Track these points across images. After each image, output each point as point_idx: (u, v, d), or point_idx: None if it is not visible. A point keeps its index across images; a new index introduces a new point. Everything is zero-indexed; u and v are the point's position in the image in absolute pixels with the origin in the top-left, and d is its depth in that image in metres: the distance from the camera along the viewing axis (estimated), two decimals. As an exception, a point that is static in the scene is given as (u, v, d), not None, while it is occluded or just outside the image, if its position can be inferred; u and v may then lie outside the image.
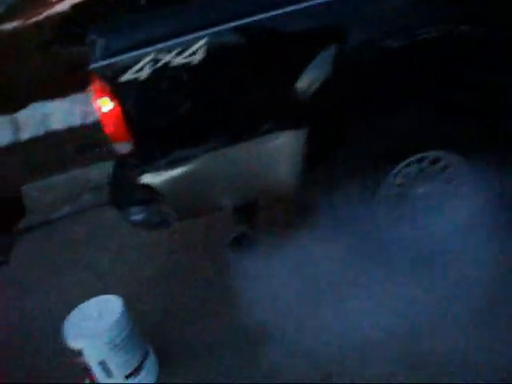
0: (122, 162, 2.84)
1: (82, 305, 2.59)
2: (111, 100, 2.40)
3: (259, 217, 2.90)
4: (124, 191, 2.90)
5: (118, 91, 2.38)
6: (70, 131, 5.05)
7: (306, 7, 2.30)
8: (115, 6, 2.73)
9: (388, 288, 2.52)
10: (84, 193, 4.36)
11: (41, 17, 5.89)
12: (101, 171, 3.96)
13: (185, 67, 2.35)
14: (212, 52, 2.32)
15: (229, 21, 2.32)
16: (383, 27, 2.36)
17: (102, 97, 2.43)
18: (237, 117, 2.49)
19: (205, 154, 2.51)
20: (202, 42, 2.31)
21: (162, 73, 2.35)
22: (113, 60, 2.35)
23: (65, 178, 4.53)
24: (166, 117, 2.48)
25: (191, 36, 2.32)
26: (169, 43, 2.32)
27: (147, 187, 2.56)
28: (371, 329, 2.38)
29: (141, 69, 2.35)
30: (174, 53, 2.33)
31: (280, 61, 2.39)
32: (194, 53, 2.33)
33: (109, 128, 2.48)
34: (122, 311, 2.49)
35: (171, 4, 2.43)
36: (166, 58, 2.34)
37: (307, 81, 2.38)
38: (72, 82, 4.42)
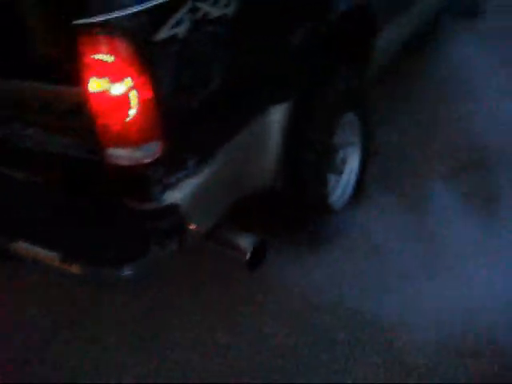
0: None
1: None
2: (133, 74, 1.49)
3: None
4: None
5: (148, 59, 1.50)
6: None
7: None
8: None
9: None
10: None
11: None
12: None
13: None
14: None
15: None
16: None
17: (112, 71, 1.48)
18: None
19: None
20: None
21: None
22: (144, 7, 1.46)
23: None
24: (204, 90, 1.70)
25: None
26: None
27: (162, 214, 1.69)
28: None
29: (179, 21, 1.55)
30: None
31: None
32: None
33: (120, 121, 1.53)
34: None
35: None
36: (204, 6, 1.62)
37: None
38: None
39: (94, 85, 1.50)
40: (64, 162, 1.83)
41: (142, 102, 1.51)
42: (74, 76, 1.56)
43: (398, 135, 3.30)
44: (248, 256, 2.04)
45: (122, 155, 1.59)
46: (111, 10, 1.44)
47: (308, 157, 2.27)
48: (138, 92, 1.50)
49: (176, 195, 1.69)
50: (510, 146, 3.11)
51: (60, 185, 1.82)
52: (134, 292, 2.39)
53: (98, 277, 1.76)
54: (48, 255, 1.76)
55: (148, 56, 1.50)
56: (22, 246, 1.82)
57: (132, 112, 1.52)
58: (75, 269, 1.74)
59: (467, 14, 4.72)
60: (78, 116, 1.81)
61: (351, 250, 2.51)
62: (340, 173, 2.62)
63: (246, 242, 2.08)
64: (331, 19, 2.30)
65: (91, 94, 1.51)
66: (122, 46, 1.45)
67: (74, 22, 1.44)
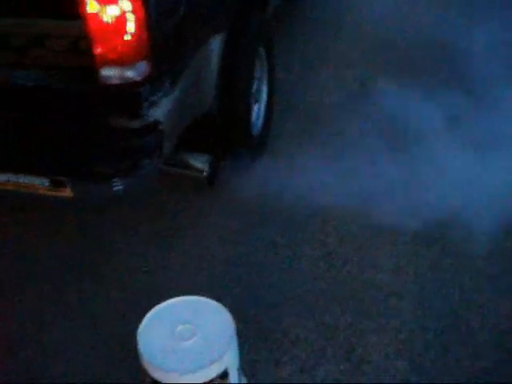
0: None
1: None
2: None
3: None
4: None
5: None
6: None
7: None
8: None
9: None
10: None
11: None
12: None
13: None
14: None
15: None
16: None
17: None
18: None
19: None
20: None
21: None
22: None
23: None
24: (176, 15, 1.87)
25: None
26: None
27: (148, 130, 1.87)
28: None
29: None
30: None
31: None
32: None
33: (116, 41, 1.67)
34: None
35: None
36: None
37: None
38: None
39: (92, 6, 1.60)
40: (33, 94, 1.88)
41: (137, 23, 1.65)
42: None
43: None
44: (206, 174, 2.29)
45: (115, 75, 1.71)
46: None
47: (237, 83, 2.53)
48: (134, 14, 1.64)
49: (158, 112, 1.86)
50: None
51: (41, 116, 1.87)
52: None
53: (92, 196, 1.88)
54: (35, 182, 1.83)
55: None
56: (4, 178, 1.86)
57: (127, 32, 1.66)
58: (67, 192, 1.83)
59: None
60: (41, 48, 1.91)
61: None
62: (256, 101, 2.91)
63: (201, 162, 2.32)
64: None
65: (89, 14, 1.62)
66: None
67: None
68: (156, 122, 1.86)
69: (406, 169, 2.72)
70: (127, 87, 1.74)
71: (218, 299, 1.63)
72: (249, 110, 2.67)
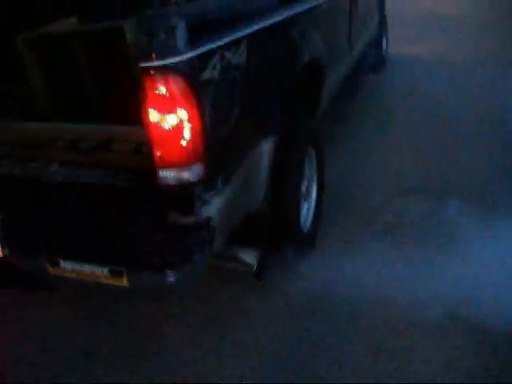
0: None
1: None
2: (186, 107, 1.83)
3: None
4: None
5: (199, 95, 1.85)
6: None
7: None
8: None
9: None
10: None
11: None
12: None
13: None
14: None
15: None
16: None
17: (168, 104, 1.81)
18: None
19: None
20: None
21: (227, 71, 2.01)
22: (201, 51, 1.83)
23: None
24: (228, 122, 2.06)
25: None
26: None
27: (200, 226, 2.01)
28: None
29: (214, 65, 1.93)
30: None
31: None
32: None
33: (174, 146, 1.85)
34: None
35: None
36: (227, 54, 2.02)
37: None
38: None
39: (153, 116, 1.81)
40: (98, 190, 2.08)
41: (193, 131, 1.84)
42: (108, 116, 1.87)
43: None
44: (255, 268, 2.39)
45: (172, 176, 1.88)
46: (169, 56, 1.78)
47: (286, 182, 2.67)
48: (190, 123, 1.83)
49: (210, 210, 2.01)
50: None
51: (105, 211, 2.05)
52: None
53: (145, 287, 2.01)
54: (96, 271, 1.98)
55: (197, 93, 1.84)
56: (67, 266, 2.02)
57: (184, 138, 1.84)
58: (123, 282, 1.97)
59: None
60: (106, 151, 2.13)
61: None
62: (305, 200, 3.04)
63: (250, 256, 2.44)
64: (297, 70, 2.77)
65: (150, 122, 1.81)
66: (179, 84, 1.79)
67: (142, 65, 1.76)
68: (208, 219, 2.00)
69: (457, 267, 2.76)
70: (183, 187, 1.90)
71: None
72: (297, 209, 2.80)
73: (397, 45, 7.03)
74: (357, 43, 4.58)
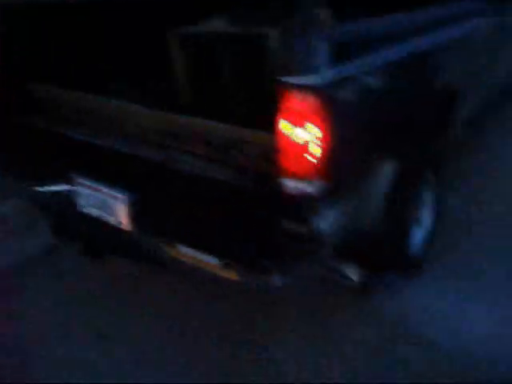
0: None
1: None
2: (318, 125, 1.91)
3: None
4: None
5: (332, 115, 1.93)
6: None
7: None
8: None
9: None
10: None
11: None
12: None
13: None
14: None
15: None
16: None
17: (301, 120, 1.90)
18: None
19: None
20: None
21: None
22: (339, 72, 1.91)
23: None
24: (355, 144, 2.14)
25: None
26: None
27: (313, 237, 2.09)
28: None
29: (351, 88, 2.01)
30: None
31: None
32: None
33: (302, 160, 1.95)
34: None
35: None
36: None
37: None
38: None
39: (285, 127, 1.91)
40: (223, 187, 2.23)
41: (322, 148, 1.93)
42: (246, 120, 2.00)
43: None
44: (357, 284, 2.45)
45: (294, 186, 1.98)
46: (308, 74, 1.88)
47: (398, 207, 2.68)
48: (320, 140, 1.92)
49: (324, 223, 2.09)
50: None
51: (227, 207, 2.20)
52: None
53: (253, 283, 2.14)
54: (210, 261, 2.14)
55: (330, 113, 1.92)
56: (183, 251, 2.19)
57: (312, 154, 1.93)
58: (233, 275, 2.11)
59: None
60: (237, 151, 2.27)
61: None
62: (418, 225, 3.04)
63: (354, 273, 2.50)
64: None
65: (282, 134, 1.93)
66: (313, 103, 1.88)
67: (281, 78, 1.87)
68: (321, 231, 2.09)
69: None
70: (303, 198, 2.00)
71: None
72: (405, 234, 2.81)
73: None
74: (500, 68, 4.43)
